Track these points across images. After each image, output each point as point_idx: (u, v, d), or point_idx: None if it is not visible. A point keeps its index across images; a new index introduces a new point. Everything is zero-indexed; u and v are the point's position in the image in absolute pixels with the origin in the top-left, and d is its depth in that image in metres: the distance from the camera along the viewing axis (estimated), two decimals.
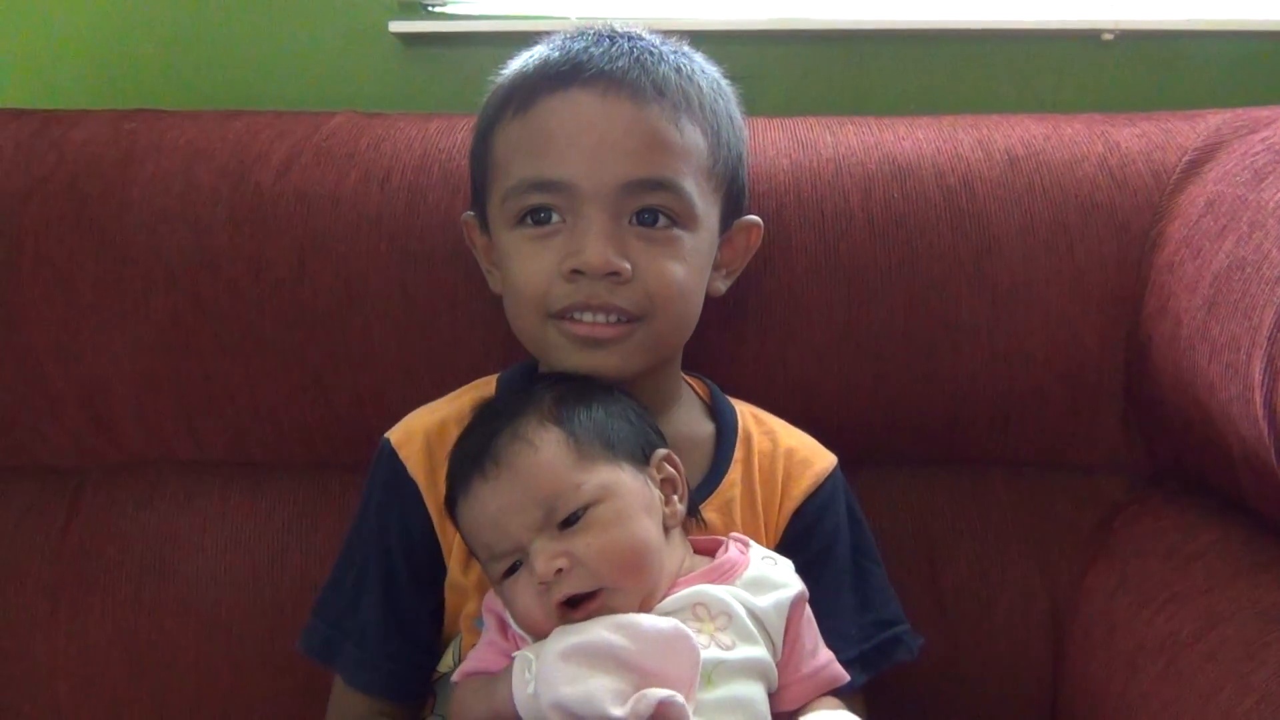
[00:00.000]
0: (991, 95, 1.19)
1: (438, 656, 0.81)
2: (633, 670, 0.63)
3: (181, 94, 1.20)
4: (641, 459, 0.73)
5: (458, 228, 0.92)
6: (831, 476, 0.84)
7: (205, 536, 0.98)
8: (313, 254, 0.94)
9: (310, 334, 0.95)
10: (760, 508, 0.82)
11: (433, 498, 0.79)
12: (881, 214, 0.93)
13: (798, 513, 0.82)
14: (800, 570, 0.75)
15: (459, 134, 0.98)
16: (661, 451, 0.75)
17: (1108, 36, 1.17)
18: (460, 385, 0.88)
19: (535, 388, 0.75)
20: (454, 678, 0.73)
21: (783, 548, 0.80)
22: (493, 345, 0.94)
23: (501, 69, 0.84)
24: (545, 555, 0.67)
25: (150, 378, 0.97)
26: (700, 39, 0.86)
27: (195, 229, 0.94)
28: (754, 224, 0.87)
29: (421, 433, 0.82)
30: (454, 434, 0.80)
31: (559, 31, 0.83)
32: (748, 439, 0.84)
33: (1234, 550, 0.83)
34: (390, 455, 0.81)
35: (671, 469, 0.75)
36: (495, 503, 0.70)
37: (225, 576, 0.97)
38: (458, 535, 0.78)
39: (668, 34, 0.84)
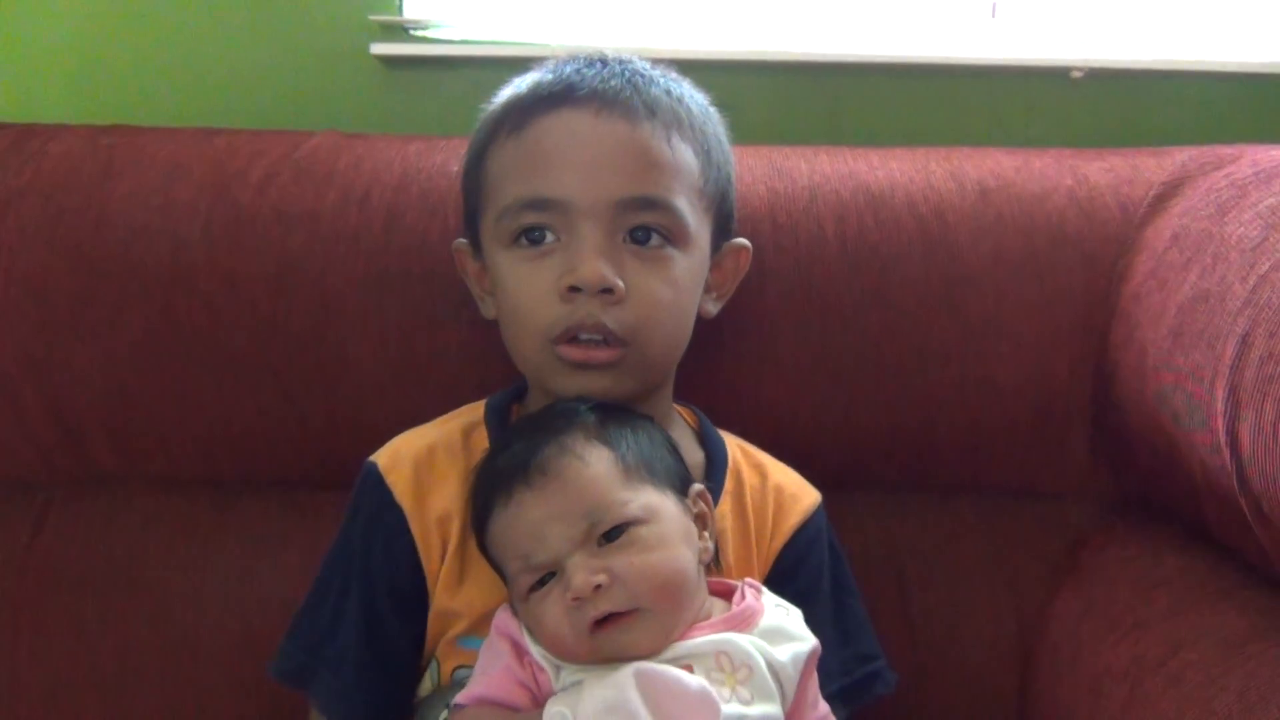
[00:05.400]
0: (963, 129, 1.21)
1: (415, 688, 0.80)
2: None
3: (161, 113, 1.19)
4: (682, 490, 0.73)
5: (435, 248, 0.93)
6: (816, 513, 0.85)
7: (173, 554, 0.98)
8: (289, 272, 0.94)
9: (285, 352, 0.95)
10: (754, 542, 0.82)
11: (418, 524, 0.78)
12: (855, 242, 0.94)
13: (785, 548, 0.82)
14: None
15: (438, 155, 0.98)
16: (697, 486, 0.75)
17: (1077, 74, 1.20)
18: (435, 405, 0.88)
19: (576, 408, 0.74)
20: (459, 699, 0.71)
21: (770, 582, 0.80)
22: (468, 365, 0.94)
23: (494, 96, 0.84)
24: (585, 570, 0.66)
25: (122, 393, 0.96)
26: (680, 68, 0.87)
27: (172, 244, 0.94)
28: (743, 246, 0.88)
29: (410, 458, 0.80)
30: (443, 461, 0.80)
31: (551, 58, 0.84)
32: (738, 472, 0.85)
33: (1198, 578, 0.84)
34: (377, 479, 0.80)
35: (704, 505, 0.74)
36: (539, 511, 0.68)
37: (192, 594, 0.96)
38: (444, 562, 0.77)
39: (654, 62, 0.85)
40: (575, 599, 0.66)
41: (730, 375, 0.95)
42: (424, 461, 0.80)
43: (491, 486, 0.72)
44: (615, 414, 0.75)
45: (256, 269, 0.94)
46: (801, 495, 0.85)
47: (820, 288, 0.94)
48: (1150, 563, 0.89)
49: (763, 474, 0.85)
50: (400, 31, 1.20)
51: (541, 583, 0.68)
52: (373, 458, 0.82)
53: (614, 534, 0.68)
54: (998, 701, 0.95)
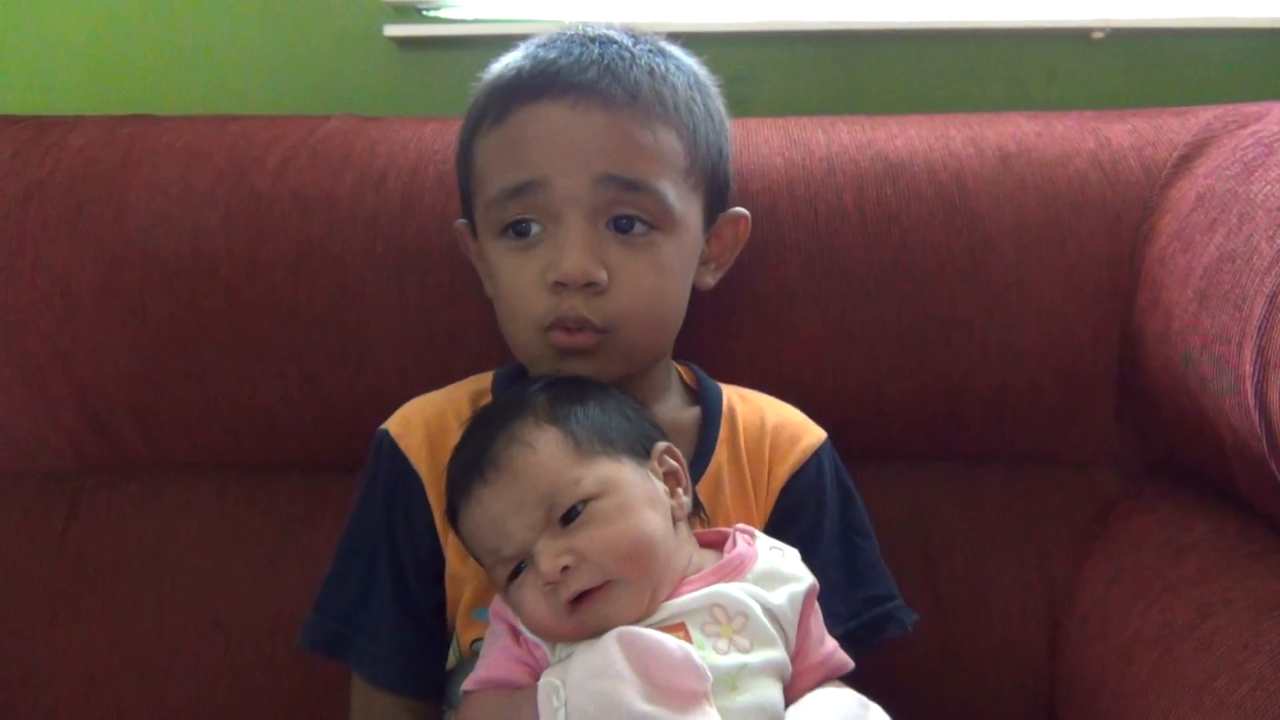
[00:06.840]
0: (983, 94, 1.20)
1: (446, 653, 0.81)
2: (651, 688, 0.63)
3: (177, 100, 1.20)
4: (642, 453, 0.73)
5: (453, 229, 0.93)
6: (819, 451, 0.84)
7: (203, 538, 0.99)
8: (309, 256, 0.95)
9: (307, 335, 0.95)
10: (750, 485, 0.82)
11: (434, 489, 0.79)
12: (874, 211, 0.94)
13: (785, 489, 0.82)
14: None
15: (454, 136, 0.97)
16: (662, 444, 0.74)
17: (1098, 35, 1.18)
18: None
19: (528, 390, 0.75)
20: (466, 685, 0.72)
21: (773, 524, 0.80)
22: (488, 344, 0.94)
23: (484, 72, 0.84)
24: (549, 554, 0.66)
25: (148, 380, 0.97)
26: (694, 41, 0.87)
27: (192, 232, 0.95)
28: (741, 216, 0.87)
29: (421, 423, 0.82)
30: (453, 426, 0.80)
31: (535, 35, 0.83)
32: (732, 417, 0.84)
33: (1227, 542, 0.83)
34: (391, 446, 0.81)
35: (673, 461, 0.74)
36: (496, 506, 0.69)
37: (223, 578, 0.98)
38: None
39: (669, 36, 0.85)
40: (547, 584, 0.67)
41: (751, 348, 0.95)
42: (435, 426, 0.81)
43: (454, 488, 0.73)
44: (567, 388, 0.74)
45: (276, 254, 0.94)
46: (802, 435, 0.84)
47: (840, 258, 0.93)
48: (1179, 528, 0.88)
49: (760, 416, 0.85)
50: (412, 12, 1.20)
51: (517, 571, 0.69)
52: (384, 425, 0.83)
53: (573, 513, 0.68)
54: (1028, 670, 0.95)
